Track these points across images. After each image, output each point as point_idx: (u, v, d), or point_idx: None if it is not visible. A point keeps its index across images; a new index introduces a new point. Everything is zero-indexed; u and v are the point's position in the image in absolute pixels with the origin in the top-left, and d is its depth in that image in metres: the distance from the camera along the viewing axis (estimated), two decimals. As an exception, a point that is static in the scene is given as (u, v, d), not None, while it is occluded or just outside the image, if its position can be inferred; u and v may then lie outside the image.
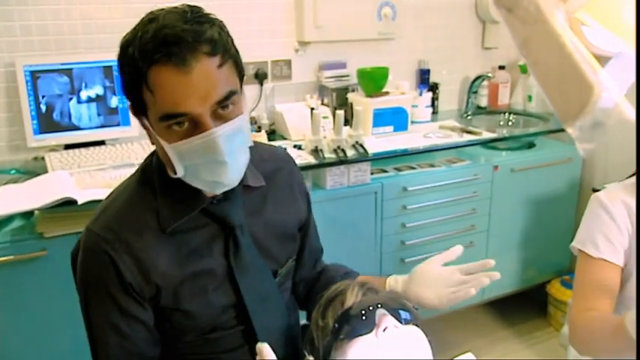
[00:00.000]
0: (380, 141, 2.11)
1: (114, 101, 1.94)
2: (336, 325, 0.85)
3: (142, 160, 0.99)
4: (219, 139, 0.82)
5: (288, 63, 2.33)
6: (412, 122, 2.32)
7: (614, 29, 0.76)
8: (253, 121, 2.21)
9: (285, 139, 2.15)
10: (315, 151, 1.91)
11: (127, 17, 2.01)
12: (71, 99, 1.88)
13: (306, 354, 0.89)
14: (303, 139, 2.02)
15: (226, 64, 0.83)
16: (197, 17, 0.83)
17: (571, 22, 0.75)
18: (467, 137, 2.20)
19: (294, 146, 2.02)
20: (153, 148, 0.93)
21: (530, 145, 2.46)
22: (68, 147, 1.89)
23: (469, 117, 2.59)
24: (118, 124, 1.96)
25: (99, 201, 1.46)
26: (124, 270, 0.89)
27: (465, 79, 2.75)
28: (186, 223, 0.93)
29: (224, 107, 0.84)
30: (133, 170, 1.00)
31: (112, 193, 0.99)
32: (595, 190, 1.39)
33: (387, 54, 2.49)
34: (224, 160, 0.84)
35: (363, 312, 0.83)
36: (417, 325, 0.87)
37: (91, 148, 1.88)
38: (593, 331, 1.14)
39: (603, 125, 0.72)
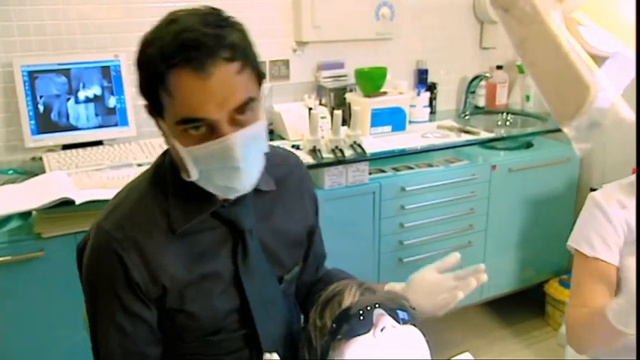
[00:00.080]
0: (378, 141, 2.11)
1: (112, 101, 1.94)
2: (334, 325, 0.85)
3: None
4: (235, 145, 0.82)
5: (286, 63, 2.33)
6: (410, 122, 2.32)
7: (610, 29, 0.76)
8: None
9: (283, 139, 2.15)
10: (313, 151, 1.91)
11: (124, 17, 2.01)
12: (69, 99, 1.88)
13: (305, 354, 0.89)
14: (301, 139, 2.01)
15: (246, 69, 0.82)
16: (218, 21, 0.82)
17: (567, 22, 0.75)
18: (465, 137, 2.20)
19: (292, 146, 2.02)
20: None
21: (528, 145, 2.47)
22: (66, 147, 1.89)
23: (467, 117, 2.60)
24: (116, 125, 1.95)
25: (97, 201, 1.47)
26: (132, 269, 0.89)
27: (462, 79, 2.75)
28: (196, 224, 0.93)
29: (242, 113, 0.83)
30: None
31: (122, 191, 0.98)
32: (593, 190, 1.40)
33: (385, 54, 2.49)
34: (239, 166, 0.84)
35: (361, 312, 0.83)
36: (414, 325, 0.87)
37: (89, 149, 1.87)
38: (585, 325, 1.15)
39: (600, 125, 0.72)
